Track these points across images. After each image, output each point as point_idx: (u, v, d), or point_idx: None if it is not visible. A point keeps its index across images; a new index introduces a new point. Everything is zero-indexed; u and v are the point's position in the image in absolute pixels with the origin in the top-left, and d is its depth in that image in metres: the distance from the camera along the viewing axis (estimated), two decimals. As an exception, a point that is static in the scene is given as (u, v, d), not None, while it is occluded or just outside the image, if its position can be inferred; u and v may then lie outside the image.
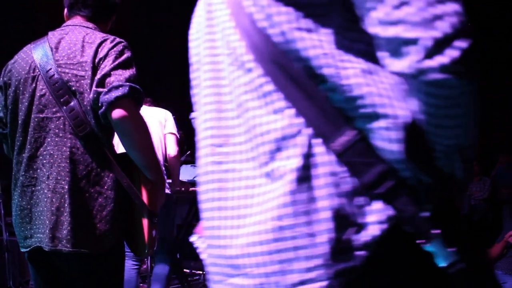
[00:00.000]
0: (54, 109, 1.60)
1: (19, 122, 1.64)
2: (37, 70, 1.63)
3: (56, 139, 1.58)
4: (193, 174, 4.53)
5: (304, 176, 0.68)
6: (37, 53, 1.65)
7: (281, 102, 0.72)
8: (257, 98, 0.74)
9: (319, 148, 0.69)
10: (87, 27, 1.71)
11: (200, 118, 0.84)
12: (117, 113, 1.51)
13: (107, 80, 1.55)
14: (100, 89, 1.53)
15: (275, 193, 0.70)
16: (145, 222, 1.60)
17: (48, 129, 1.60)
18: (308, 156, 0.69)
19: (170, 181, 3.51)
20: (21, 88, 1.65)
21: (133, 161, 1.61)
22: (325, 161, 0.68)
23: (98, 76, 1.55)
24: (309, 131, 0.69)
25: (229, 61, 0.79)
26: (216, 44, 0.82)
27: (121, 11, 1.90)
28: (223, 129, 0.80)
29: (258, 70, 0.74)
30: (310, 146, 0.69)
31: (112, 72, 1.55)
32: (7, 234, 3.71)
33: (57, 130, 1.59)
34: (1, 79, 1.73)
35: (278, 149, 0.71)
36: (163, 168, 3.32)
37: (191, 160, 4.52)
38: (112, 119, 1.52)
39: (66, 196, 1.54)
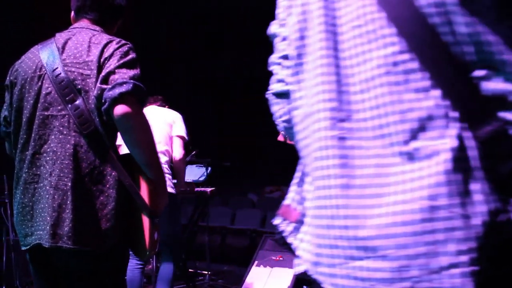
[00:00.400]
0: (59, 107, 1.60)
1: (24, 120, 1.64)
2: (44, 69, 1.64)
3: (60, 136, 1.58)
4: (198, 175, 4.53)
5: (459, 157, 0.67)
6: (44, 53, 1.66)
7: (426, 81, 0.70)
8: (394, 74, 0.72)
9: (466, 132, 0.67)
10: (94, 30, 1.72)
11: (312, 90, 0.81)
12: (120, 109, 1.51)
13: (111, 77, 1.55)
14: (104, 86, 1.53)
15: (423, 172, 0.68)
16: (146, 223, 1.58)
17: (53, 127, 1.60)
18: (459, 138, 0.67)
19: (175, 181, 3.50)
20: (27, 87, 1.66)
21: (136, 161, 1.60)
22: (473, 145, 0.67)
23: (102, 73, 1.56)
24: (456, 114, 0.68)
25: (357, 33, 0.76)
26: (336, 13, 0.79)
27: (126, 13, 1.91)
28: (345, 104, 0.76)
29: (401, 45, 0.71)
30: (458, 129, 0.68)
31: (116, 70, 1.56)
32: (13, 234, 3.71)
33: (61, 128, 1.59)
34: (8, 78, 1.75)
35: (422, 128, 0.69)
36: (169, 169, 3.31)
37: (196, 160, 4.52)
38: (114, 115, 1.52)
39: (69, 193, 1.53)
